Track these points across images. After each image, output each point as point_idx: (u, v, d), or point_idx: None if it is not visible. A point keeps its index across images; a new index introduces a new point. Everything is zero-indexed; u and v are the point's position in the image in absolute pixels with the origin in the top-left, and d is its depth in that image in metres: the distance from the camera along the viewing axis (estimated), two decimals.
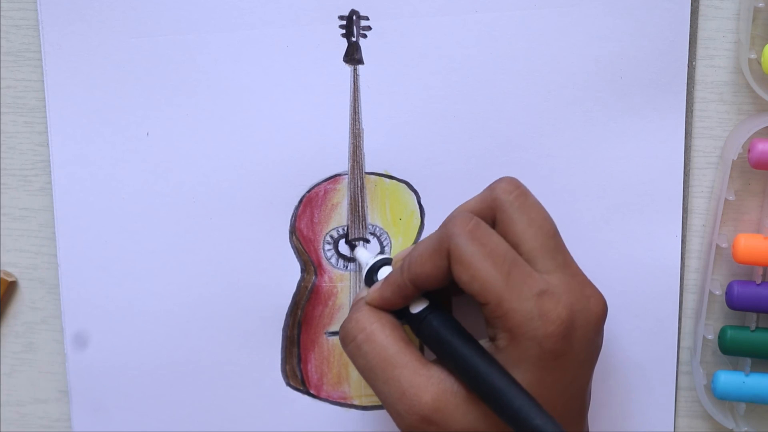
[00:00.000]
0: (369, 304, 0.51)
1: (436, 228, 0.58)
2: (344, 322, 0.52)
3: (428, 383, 0.48)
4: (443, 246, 0.48)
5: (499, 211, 0.50)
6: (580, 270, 0.50)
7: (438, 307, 0.51)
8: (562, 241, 0.50)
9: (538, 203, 0.50)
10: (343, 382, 0.60)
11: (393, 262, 0.54)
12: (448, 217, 0.51)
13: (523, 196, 0.50)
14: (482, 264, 0.47)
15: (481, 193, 0.52)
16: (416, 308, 0.51)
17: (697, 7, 0.56)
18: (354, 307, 0.52)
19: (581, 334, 0.48)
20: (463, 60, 0.57)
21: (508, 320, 0.47)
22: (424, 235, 0.58)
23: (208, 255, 0.59)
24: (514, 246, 0.49)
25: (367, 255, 0.57)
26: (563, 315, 0.47)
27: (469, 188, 0.58)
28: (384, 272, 0.53)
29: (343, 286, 0.59)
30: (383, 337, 0.50)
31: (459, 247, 0.48)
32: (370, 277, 0.54)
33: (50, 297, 0.61)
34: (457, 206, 0.53)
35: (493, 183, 0.51)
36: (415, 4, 0.56)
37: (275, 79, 0.57)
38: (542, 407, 0.45)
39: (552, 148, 0.57)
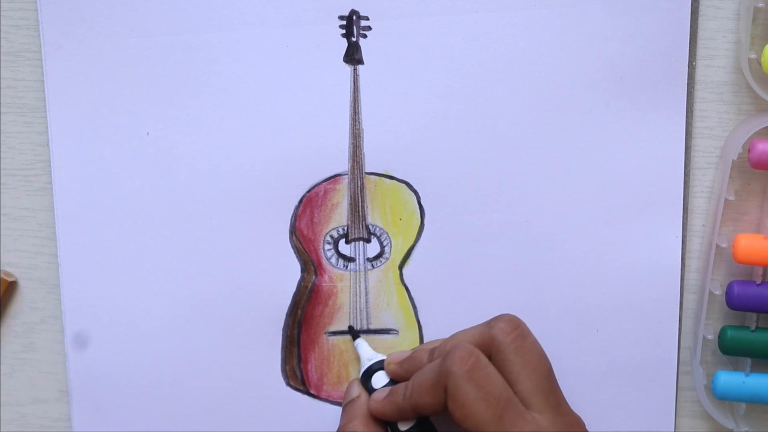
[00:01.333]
0: (371, 412, 0.54)
1: (435, 228, 0.58)
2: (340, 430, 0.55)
3: None
4: (441, 381, 0.50)
5: (496, 350, 0.52)
6: (570, 410, 0.52)
7: (425, 426, 0.54)
8: (555, 381, 0.52)
9: (536, 344, 0.52)
10: (343, 382, 0.60)
11: (385, 364, 0.56)
12: (449, 345, 0.53)
13: (521, 338, 0.52)
14: (476, 406, 0.49)
15: (480, 327, 0.53)
16: (404, 426, 0.54)
17: (697, 7, 0.56)
18: (348, 413, 0.55)
19: None
20: (463, 60, 0.57)
21: None
22: (424, 235, 0.59)
23: (208, 255, 0.59)
24: (510, 384, 0.51)
25: (366, 352, 0.58)
26: None
27: (469, 188, 0.58)
28: (378, 378, 0.56)
29: (343, 286, 0.59)
30: None
31: (456, 387, 0.50)
32: (366, 379, 0.57)
33: (50, 297, 0.61)
34: (456, 330, 0.55)
35: (492, 320, 0.53)
36: (415, 4, 0.56)
37: (275, 79, 0.57)
38: None
39: (552, 148, 0.57)
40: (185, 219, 0.59)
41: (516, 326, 0.52)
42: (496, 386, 0.50)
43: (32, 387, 0.62)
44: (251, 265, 0.59)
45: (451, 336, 0.54)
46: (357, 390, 0.56)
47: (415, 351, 0.55)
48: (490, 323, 0.53)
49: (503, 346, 0.51)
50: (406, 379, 0.54)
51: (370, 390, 0.56)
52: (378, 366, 0.56)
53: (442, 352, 0.53)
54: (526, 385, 0.50)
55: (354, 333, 0.59)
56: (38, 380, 0.62)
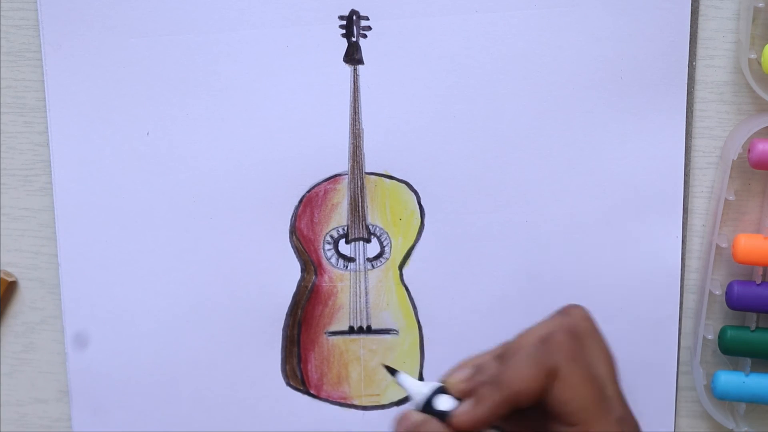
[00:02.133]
0: (458, 427, 0.50)
1: (435, 228, 0.58)
2: None
3: None
4: (545, 364, 0.49)
5: (577, 338, 0.51)
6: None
7: None
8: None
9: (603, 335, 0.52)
10: (343, 382, 0.60)
11: (450, 386, 0.51)
12: (538, 333, 0.50)
13: (595, 326, 0.51)
14: (584, 387, 0.49)
15: (555, 317, 0.51)
16: None
17: (697, 7, 0.56)
18: None
19: None
20: (463, 60, 0.57)
21: None
22: (424, 235, 0.58)
23: (208, 255, 0.59)
24: None
25: (415, 384, 0.51)
26: None
27: (469, 188, 0.58)
28: (444, 401, 0.50)
29: (343, 286, 0.59)
30: None
31: (566, 368, 0.49)
32: (429, 407, 0.50)
33: (50, 297, 0.61)
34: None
35: (565, 309, 0.51)
36: (415, 4, 0.56)
37: (275, 79, 0.57)
38: None
39: (552, 148, 0.57)
40: (185, 219, 0.59)
41: (588, 315, 0.51)
42: (598, 369, 0.50)
43: (32, 387, 0.62)
44: (251, 265, 0.59)
45: (517, 335, 0.51)
46: (419, 416, 0.51)
47: (475, 365, 0.52)
48: (563, 311, 0.51)
49: (585, 332, 0.51)
50: (474, 394, 0.50)
51: (438, 415, 0.50)
52: (439, 391, 0.51)
53: (515, 351, 0.50)
54: (605, 370, 0.50)
55: (391, 370, 0.52)
56: (38, 380, 0.62)
